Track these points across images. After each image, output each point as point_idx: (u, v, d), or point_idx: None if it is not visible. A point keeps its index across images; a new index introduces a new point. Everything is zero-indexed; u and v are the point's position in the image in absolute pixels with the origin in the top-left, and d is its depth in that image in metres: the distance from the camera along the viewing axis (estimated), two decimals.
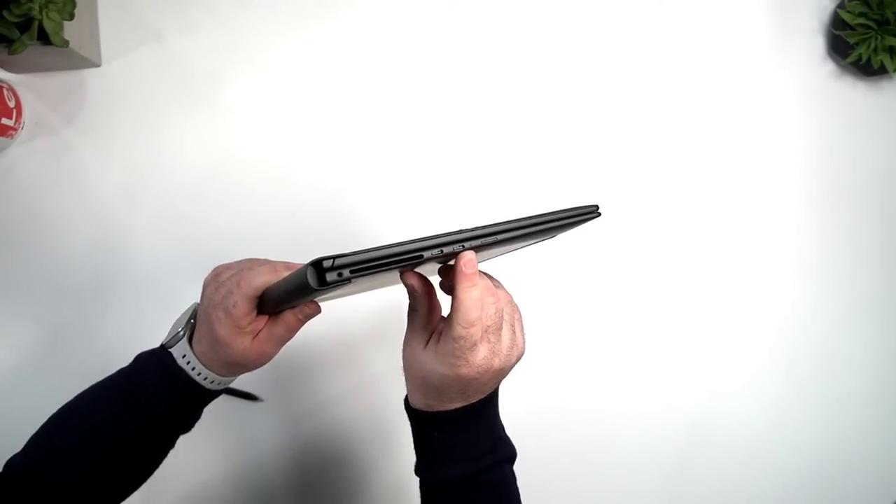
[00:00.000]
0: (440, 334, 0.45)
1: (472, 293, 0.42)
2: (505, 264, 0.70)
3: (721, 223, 0.75)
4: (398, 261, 0.39)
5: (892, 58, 0.72)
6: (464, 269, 0.42)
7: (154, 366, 0.51)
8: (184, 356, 0.50)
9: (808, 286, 0.76)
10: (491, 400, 0.48)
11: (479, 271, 0.44)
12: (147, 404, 0.51)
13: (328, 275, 0.37)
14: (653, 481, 0.73)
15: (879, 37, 0.72)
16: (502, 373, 0.45)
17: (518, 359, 0.46)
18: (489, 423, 0.49)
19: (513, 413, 0.51)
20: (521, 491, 0.50)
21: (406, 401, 0.49)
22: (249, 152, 0.72)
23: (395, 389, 0.70)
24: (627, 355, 0.73)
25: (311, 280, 0.37)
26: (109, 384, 0.53)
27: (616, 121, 0.75)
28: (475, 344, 0.42)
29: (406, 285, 0.46)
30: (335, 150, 0.73)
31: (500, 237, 0.42)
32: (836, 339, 0.75)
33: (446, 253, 0.41)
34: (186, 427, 0.55)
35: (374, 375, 0.71)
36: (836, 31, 0.75)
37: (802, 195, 0.76)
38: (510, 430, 0.50)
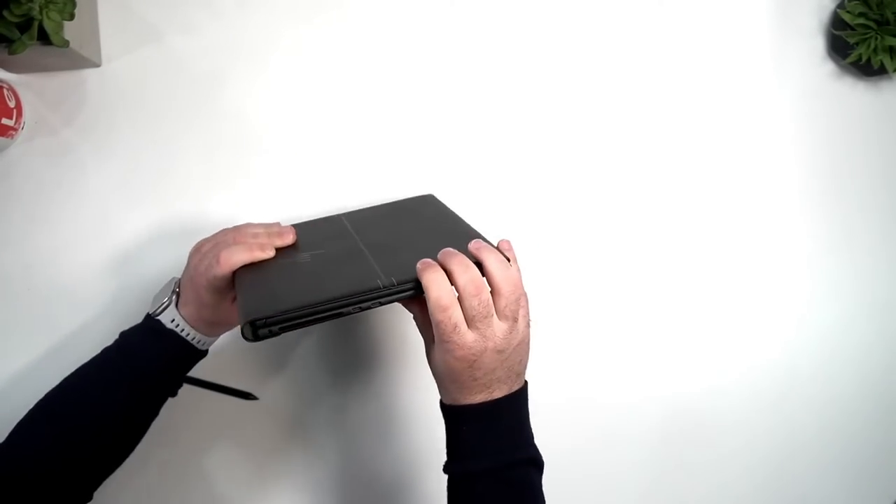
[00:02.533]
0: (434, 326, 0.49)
1: (435, 282, 0.46)
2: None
3: (720, 223, 0.75)
4: (321, 318, 0.47)
5: (892, 58, 0.72)
6: (420, 266, 0.47)
7: (143, 332, 0.57)
8: (172, 320, 0.56)
9: (807, 285, 0.76)
10: (517, 398, 0.50)
11: (467, 259, 0.48)
12: (139, 369, 0.55)
13: (261, 331, 0.46)
14: (647, 477, 0.73)
15: (879, 37, 0.72)
16: (505, 355, 0.48)
17: (521, 344, 0.49)
18: (515, 422, 0.51)
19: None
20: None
21: (440, 402, 0.52)
22: (249, 152, 0.72)
23: (393, 384, 0.70)
24: (626, 350, 0.73)
25: (248, 334, 0.46)
26: (98, 361, 0.57)
27: (615, 120, 0.75)
28: (456, 324, 0.46)
29: (400, 302, 0.50)
30: (336, 149, 0.73)
31: (410, 292, 0.48)
32: (836, 339, 0.75)
33: (364, 308, 0.47)
34: (173, 389, 0.59)
35: (369, 372, 0.71)
36: (835, 32, 0.75)
37: (801, 195, 0.76)
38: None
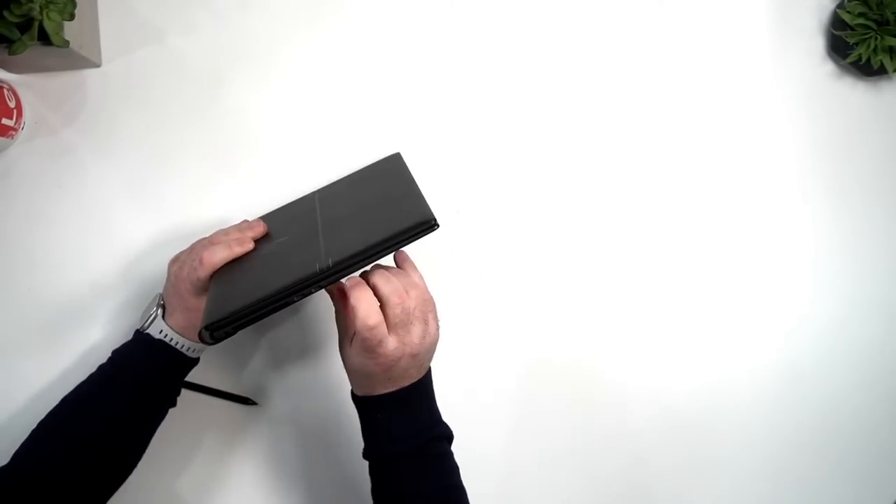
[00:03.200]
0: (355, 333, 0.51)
1: (363, 300, 0.49)
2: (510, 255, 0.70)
3: (720, 223, 0.75)
4: (269, 311, 0.50)
5: (891, 58, 0.72)
6: (347, 284, 0.50)
7: (134, 347, 0.58)
8: (161, 331, 0.57)
9: (807, 284, 0.76)
10: (423, 384, 0.54)
11: (387, 270, 0.53)
12: (133, 379, 0.57)
13: (216, 334, 0.50)
14: (646, 476, 0.73)
15: (879, 37, 0.72)
16: (418, 358, 0.52)
17: (433, 345, 0.53)
18: (425, 405, 0.55)
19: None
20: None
21: (352, 392, 0.56)
22: (250, 152, 0.72)
23: None
24: (626, 348, 0.73)
25: (206, 338, 0.49)
26: (93, 376, 0.58)
27: (615, 121, 0.75)
28: (381, 340, 0.49)
29: (328, 292, 0.55)
30: (336, 150, 0.73)
31: (349, 270, 0.51)
32: (836, 339, 0.75)
33: (306, 294, 0.50)
34: (171, 399, 0.60)
35: None
36: (835, 32, 0.75)
37: (801, 195, 0.76)
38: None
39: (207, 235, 0.61)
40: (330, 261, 0.51)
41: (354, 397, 0.56)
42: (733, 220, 0.75)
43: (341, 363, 0.70)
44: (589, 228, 0.74)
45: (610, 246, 0.74)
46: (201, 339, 0.50)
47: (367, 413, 0.54)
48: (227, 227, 0.62)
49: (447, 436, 0.56)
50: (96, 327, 0.69)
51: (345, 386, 0.70)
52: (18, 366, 0.68)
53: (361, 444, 0.70)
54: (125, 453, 0.58)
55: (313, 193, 0.68)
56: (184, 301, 0.57)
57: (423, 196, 0.57)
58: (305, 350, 0.71)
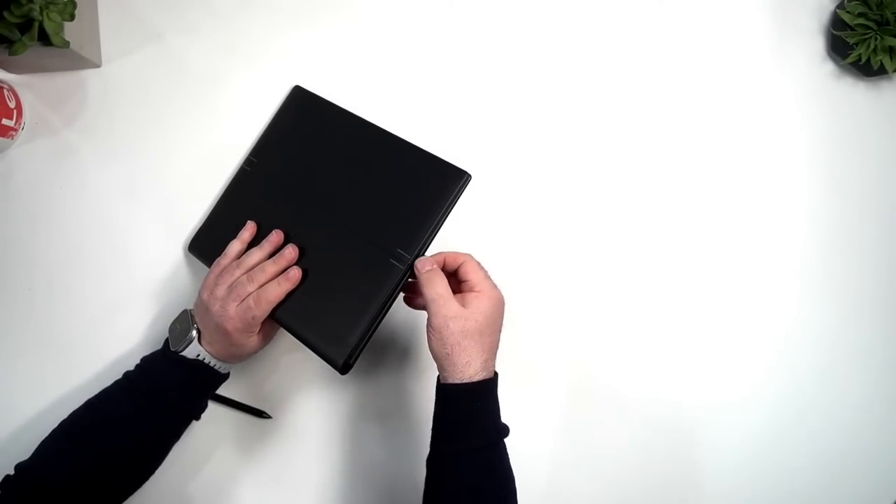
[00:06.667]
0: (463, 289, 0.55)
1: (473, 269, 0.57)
2: (511, 263, 0.70)
3: (721, 224, 0.75)
4: (378, 325, 0.57)
5: (891, 58, 0.72)
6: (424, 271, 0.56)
7: (167, 365, 0.58)
8: (198, 354, 0.58)
9: (807, 286, 0.76)
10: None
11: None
12: (164, 399, 0.57)
13: (350, 362, 0.56)
14: (645, 482, 0.73)
15: (879, 37, 0.72)
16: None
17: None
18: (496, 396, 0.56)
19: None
20: None
21: (444, 387, 0.53)
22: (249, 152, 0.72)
23: (404, 400, 0.70)
24: (627, 353, 0.73)
25: (344, 371, 0.57)
26: (123, 386, 0.58)
27: (615, 120, 0.75)
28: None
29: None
30: None
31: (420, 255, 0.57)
32: (836, 340, 0.75)
33: (401, 290, 0.58)
34: (198, 415, 0.61)
35: (376, 385, 0.71)
36: (835, 32, 0.75)
37: (802, 195, 0.76)
38: None
39: (236, 262, 0.60)
40: (399, 251, 0.57)
41: (453, 386, 0.53)
42: (731, 220, 0.75)
43: (355, 381, 0.69)
44: (588, 240, 0.74)
45: (611, 254, 0.74)
46: (340, 372, 0.56)
47: (461, 402, 0.53)
48: (253, 254, 0.60)
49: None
50: (97, 328, 0.69)
51: (358, 404, 0.70)
52: (17, 365, 0.68)
53: (368, 464, 0.67)
54: (145, 464, 0.58)
55: (242, 168, 0.69)
56: (229, 338, 0.57)
57: (424, 150, 0.61)
58: (321, 367, 0.70)
